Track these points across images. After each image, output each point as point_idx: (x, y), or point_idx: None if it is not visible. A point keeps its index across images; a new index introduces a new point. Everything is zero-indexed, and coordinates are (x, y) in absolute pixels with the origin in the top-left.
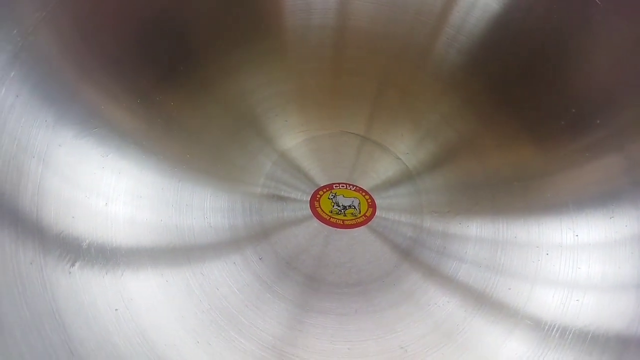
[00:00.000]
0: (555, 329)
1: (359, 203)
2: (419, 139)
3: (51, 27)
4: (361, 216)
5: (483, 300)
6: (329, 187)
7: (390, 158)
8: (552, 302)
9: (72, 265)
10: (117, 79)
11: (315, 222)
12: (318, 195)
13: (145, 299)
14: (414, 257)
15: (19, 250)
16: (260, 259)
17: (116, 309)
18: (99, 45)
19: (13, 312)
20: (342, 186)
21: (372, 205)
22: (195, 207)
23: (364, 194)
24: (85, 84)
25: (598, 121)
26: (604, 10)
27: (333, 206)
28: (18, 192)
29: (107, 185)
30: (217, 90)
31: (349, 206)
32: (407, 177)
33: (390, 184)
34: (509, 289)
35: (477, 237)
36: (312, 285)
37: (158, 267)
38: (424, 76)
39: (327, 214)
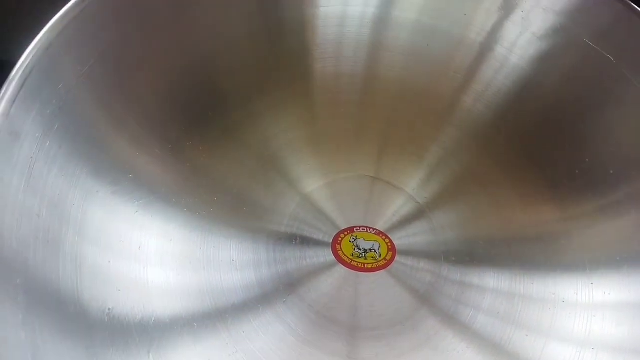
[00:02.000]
0: None
1: (380, 247)
2: (441, 188)
3: (91, 81)
4: (381, 260)
5: (499, 350)
6: (350, 230)
7: (410, 204)
8: (565, 358)
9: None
10: (151, 127)
11: (338, 266)
12: (340, 239)
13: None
14: (432, 303)
15: None
16: (284, 302)
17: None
18: (135, 96)
19: None
20: (362, 229)
21: (392, 249)
22: (222, 261)
23: (384, 237)
24: (120, 133)
25: (611, 171)
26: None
27: (354, 249)
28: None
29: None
30: (243, 134)
31: (370, 249)
32: (430, 231)
33: (411, 231)
34: (525, 340)
35: (494, 287)
36: (333, 328)
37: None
38: (447, 127)
39: (348, 258)
